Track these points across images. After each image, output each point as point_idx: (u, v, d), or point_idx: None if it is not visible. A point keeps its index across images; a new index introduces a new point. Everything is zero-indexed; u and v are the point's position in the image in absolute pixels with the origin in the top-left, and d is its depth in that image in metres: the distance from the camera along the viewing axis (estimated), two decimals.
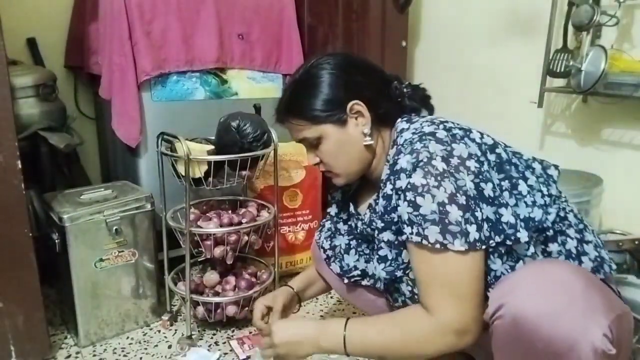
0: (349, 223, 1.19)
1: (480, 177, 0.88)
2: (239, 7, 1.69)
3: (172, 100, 1.63)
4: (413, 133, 0.94)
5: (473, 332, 0.86)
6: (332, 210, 1.24)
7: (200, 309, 1.44)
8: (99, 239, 1.36)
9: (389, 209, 0.95)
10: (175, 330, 1.50)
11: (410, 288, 0.99)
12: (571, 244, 0.94)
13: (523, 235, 0.87)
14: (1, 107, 1.15)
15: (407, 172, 0.88)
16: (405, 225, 0.89)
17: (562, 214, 0.95)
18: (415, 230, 0.87)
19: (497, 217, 0.88)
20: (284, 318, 1.18)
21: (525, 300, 0.80)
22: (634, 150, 1.72)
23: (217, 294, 1.46)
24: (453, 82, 2.23)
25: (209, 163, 1.33)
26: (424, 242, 0.85)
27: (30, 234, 1.24)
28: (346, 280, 1.15)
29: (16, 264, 1.23)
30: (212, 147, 1.38)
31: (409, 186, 0.87)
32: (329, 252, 1.20)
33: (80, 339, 1.40)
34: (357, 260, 1.14)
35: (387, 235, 0.98)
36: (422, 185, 0.86)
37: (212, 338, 1.46)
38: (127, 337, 1.46)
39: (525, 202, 0.91)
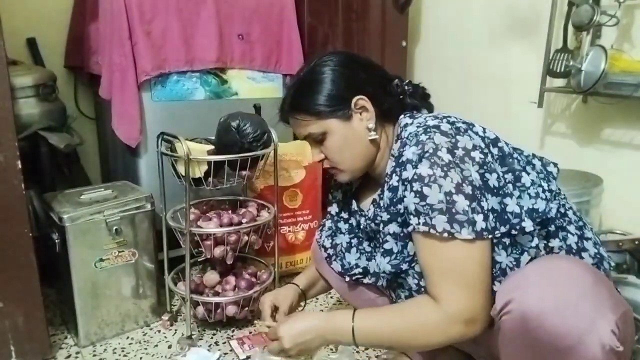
0: (350, 222, 1.19)
1: (485, 167, 0.89)
2: (239, 7, 1.69)
3: (172, 100, 1.63)
4: (417, 127, 0.95)
5: (481, 322, 0.87)
6: (333, 209, 1.24)
7: (200, 309, 1.44)
8: (99, 239, 1.36)
9: (395, 200, 0.95)
10: (175, 330, 1.50)
11: (416, 281, 0.99)
12: (572, 240, 0.95)
13: (528, 225, 0.88)
14: (1, 107, 1.15)
15: (413, 163, 0.89)
16: (411, 216, 0.89)
17: (562, 210, 0.96)
18: (422, 220, 0.87)
19: (502, 207, 0.89)
20: (289, 315, 1.19)
21: (534, 296, 0.80)
22: (634, 150, 1.72)
23: (217, 294, 1.46)
24: (453, 82, 2.23)
25: (209, 163, 1.33)
26: (432, 231, 0.86)
27: (30, 234, 1.24)
28: (347, 279, 1.15)
29: (16, 264, 1.22)
30: (212, 147, 1.38)
31: (415, 177, 0.88)
32: (330, 251, 1.20)
33: (80, 339, 1.40)
34: (359, 258, 1.14)
35: (393, 228, 0.98)
36: (428, 175, 0.86)
37: (212, 338, 1.46)
38: (127, 337, 1.46)
39: (528, 194, 0.92)
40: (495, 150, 0.94)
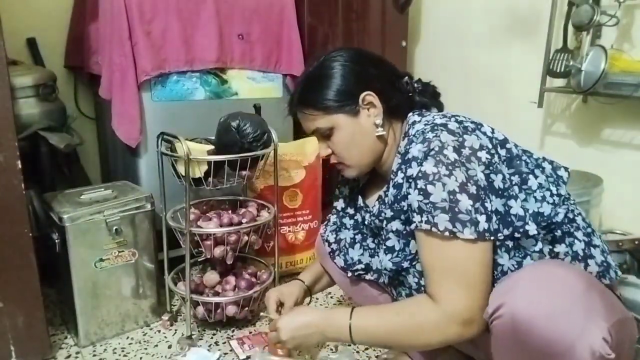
0: (355, 217, 1.19)
1: (491, 168, 0.89)
2: (239, 7, 1.69)
3: (172, 100, 1.63)
4: (425, 124, 0.95)
5: (479, 323, 0.87)
6: (339, 204, 1.24)
7: (200, 309, 1.44)
8: (99, 239, 1.36)
9: (399, 197, 0.95)
10: (175, 330, 1.50)
11: (416, 280, 0.99)
12: (578, 246, 0.93)
13: (531, 228, 0.88)
14: (1, 107, 1.15)
15: (419, 161, 0.89)
16: (414, 214, 0.89)
17: (570, 215, 0.95)
18: (424, 218, 0.87)
19: (506, 209, 0.89)
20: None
21: (525, 301, 0.80)
22: (634, 150, 1.72)
23: (217, 294, 1.46)
24: (453, 82, 2.23)
25: (209, 163, 1.33)
26: (433, 229, 0.86)
27: (30, 234, 1.23)
28: (349, 274, 1.16)
29: (16, 264, 1.22)
30: (212, 147, 1.38)
31: (420, 174, 0.88)
32: (334, 246, 1.20)
33: (80, 339, 1.40)
34: (362, 254, 1.14)
35: (396, 225, 0.98)
36: (433, 173, 0.86)
37: (212, 338, 1.46)
38: (127, 337, 1.46)
39: (534, 197, 0.91)
40: (503, 152, 0.93)
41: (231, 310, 1.43)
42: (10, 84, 1.18)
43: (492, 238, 0.86)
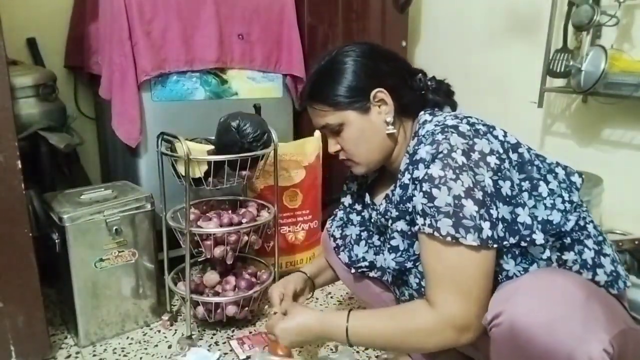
0: (362, 214, 1.18)
1: (500, 174, 0.87)
2: (239, 7, 1.69)
3: (172, 100, 1.63)
4: (435, 125, 0.93)
5: (475, 329, 0.86)
6: (346, 200, 1.23)
7: (200, 309, 1.44)
8: (99, 239, 1.36)
9: (404, 198, 0.94)
10: (175, 330, 1.50)
11: (418, 280, 0.99)
12: (588, 255, 0.91)
13: (539, 237, 0.86)
14: (1, 107, 1.15)
15: (426, 163, 0.87)
16: (418, 216, 0.88)
17: (581, 223, 0.92)
18: (428, 222, 0.86)
19: (513, 217, 0.87)
20: (296, 303, 1.19)
21: (524, 309, 0.79)
22: (634, 150, 1.72)
23: (217, 294, 1.46)
24: (453, 82, 2.20)
25: (209, 163, 1.33)
26: (436, 234, 0.85)
27: (30, 234, 1.23)
28: (353, 271, 1.15)
29: (16, 264, 1.22)
30: (212, 147, 1.38)
31: (426, 177, 0.87)
32: (339, 242, 1.20)
33: (80, 339, 1.40)
34: (367, 251, 1.14)
35: (401, 225, 0.97)
36: (439, 177, 0.85)
37: (212, 338, 1.46)
38: (127, 337, 1.46)
39: (544, 204, 0.90)
40: (514, 156, 0.91)
41: (231, 310, 1.43)
42: (10, 84, 1.17)
43: (495, 246, 0.85)
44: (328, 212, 1.71)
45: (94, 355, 1.38)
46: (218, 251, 1.39)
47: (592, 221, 0.96)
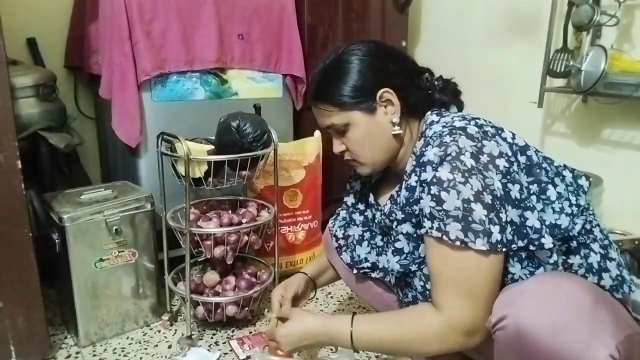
0: (365, 214, 1.17)
1: (509, 177, 0.86)
2: (239, 7, 1.69)
3: (172, 100, 1.63)
4: (443, 126, 0.92)
5: (481, 334, 0.86)
6: (349, 200, 1.22)
7: (200, 309, 1.44)
8: (99, 239, 1.36)
9: (411, 200, 0.93)
10: (175, 330, 1.50)
11: (422, 283, 0.98)
12: (594, 259, 0.90)
13: (547, 241, 0.85)
14: (1, 107, 1.15)
15: (434, 165, 0.86)
16: (426, 219, 0.87)
17: (588, 226, 0.92)
18: (436, 225, 0.85)
19: (522, 220, 0.86)
20: (297, 306, 1.19)
21: (529, 313, 0.78)
22: (634, 150, 1.73)
23: (217, 294, 1.46)
24: None
25: (209, 163, 1.33)
26: (444, 237, 0.84)
27: (30, 234, 1.23)
28: (355, 271, 1.15)
29: (16, 264, 1.22)
30: (212, 147, 1.38)
31: (434, 180, 0.85)
32: (341, 242, 1.19)
33: (80, 339, 1.40)
34: (369, 252, 1.13)
35: (406, 228, 0.96)
36: (448, 180, 0.84)
37: (212, 338, 1.46)
38: (127, 337, 1.46)
39: (552, 208, 0.89)
40: (522, 159, 0.90)
41: (231, 310, 1.43)
42: (10, 84, 1.18)
43: (504, 249, 0.84)
44: (328, 212, 1.72)
45: (94, 355, 1.38)
46: (218, 251, 1.39)
47: (598, 224, 0.95)
